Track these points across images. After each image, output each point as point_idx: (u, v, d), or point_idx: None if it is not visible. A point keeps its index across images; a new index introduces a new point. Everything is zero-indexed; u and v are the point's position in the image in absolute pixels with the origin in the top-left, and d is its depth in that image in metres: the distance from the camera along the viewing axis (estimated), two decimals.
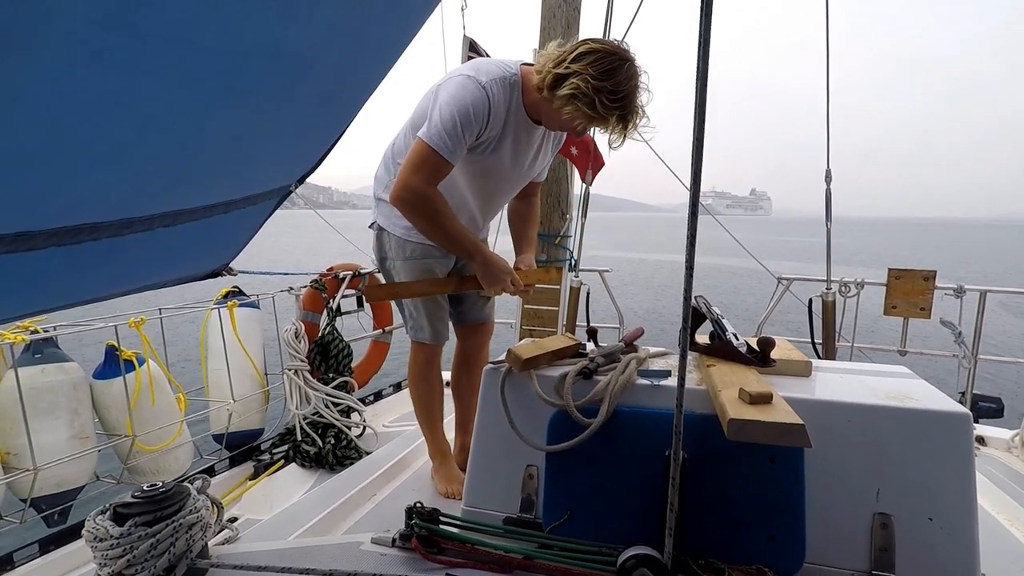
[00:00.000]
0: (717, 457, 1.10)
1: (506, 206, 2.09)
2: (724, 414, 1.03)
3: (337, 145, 1.70)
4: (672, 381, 1.27)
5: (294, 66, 0.99)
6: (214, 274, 2.19)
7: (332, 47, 1.04)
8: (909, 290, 3.20)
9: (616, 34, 3.53)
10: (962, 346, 3.14)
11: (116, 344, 2.34)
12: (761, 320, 3.63)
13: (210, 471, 2.63)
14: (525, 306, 3.96)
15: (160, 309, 2.51)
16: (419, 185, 1.58)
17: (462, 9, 3.48)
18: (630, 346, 1.53)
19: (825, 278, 3.34)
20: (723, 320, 1.43)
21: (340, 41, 1.05)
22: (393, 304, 3.95)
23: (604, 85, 1.48)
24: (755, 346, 1.39)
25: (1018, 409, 2.89)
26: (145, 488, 1.14)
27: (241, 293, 3.01)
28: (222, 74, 0.95)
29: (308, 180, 1.75)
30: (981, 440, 2.85)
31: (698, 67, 0.78)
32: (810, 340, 3.38)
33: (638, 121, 1.57)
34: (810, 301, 3.37)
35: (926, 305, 3.18)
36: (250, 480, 2.67)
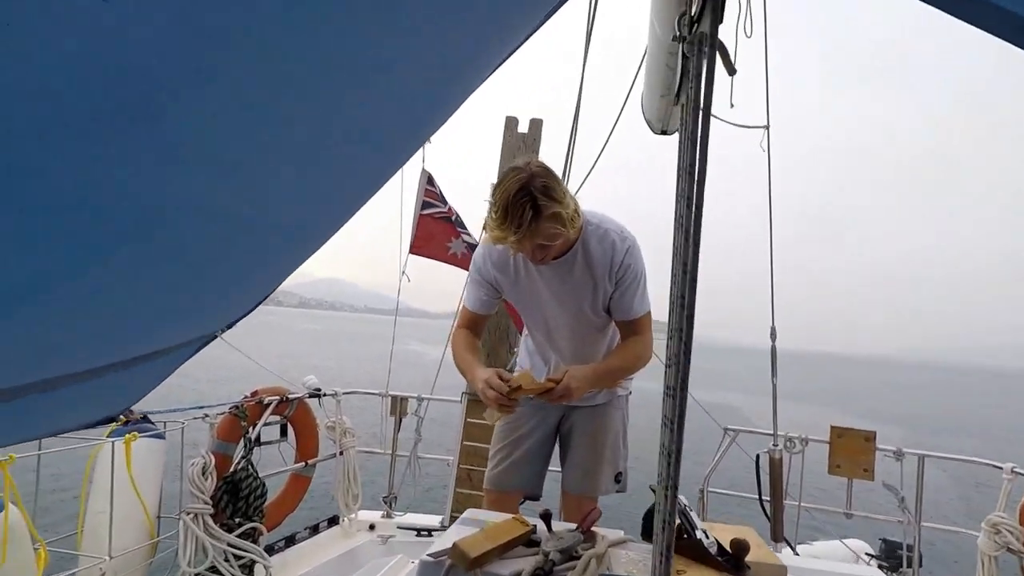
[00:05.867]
0: None
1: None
2: None
3: None
4: None
5: (226, 227, 0.84)
6: (108, 420, 1.88)
7: (279, 209, 0.91)
8: (852, 449, 3.20)
9: (575, 176, 3.59)
10: (905, 512, 3.11)
11: None
12: (708, 471, 3.52)
13: None
14: (465, 442, 3.71)
15: (40, 442, 2.14)
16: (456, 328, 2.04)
17: (423, 145, 3.53)
18: (588, 533, 1.36)
19: (772, 432, 3.29)
20: (690, 512, 1.30)
21: (290, 203, 0.92)
22: (321, 434, 3.61)
23: (490, 201, 1.59)
24: (725, 545, 1.25)
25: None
26: None
27: (146, 419, 2.65)
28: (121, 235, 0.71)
29: None
30: None
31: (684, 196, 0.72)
32: (757, 497, 3.27)
33: (546, 224, 1.54)
34: (757, 457, 3.29)
35: (869, 466, 3.16)
36: None
